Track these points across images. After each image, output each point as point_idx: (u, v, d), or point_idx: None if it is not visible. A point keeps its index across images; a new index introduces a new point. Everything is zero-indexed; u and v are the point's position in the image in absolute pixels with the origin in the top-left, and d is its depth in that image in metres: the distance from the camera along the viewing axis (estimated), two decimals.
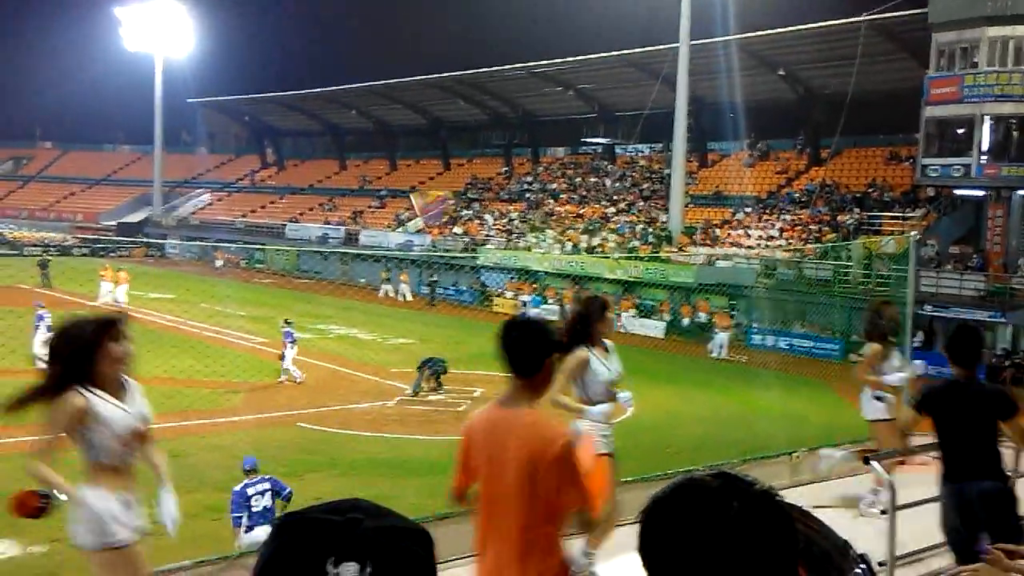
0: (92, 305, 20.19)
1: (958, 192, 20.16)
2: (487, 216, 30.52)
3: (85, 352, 2.49)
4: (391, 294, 26.11)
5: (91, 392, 2.51)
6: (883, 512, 4.14)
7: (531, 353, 2.14)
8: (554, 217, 28.48)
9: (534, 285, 24.57)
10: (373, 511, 0.67)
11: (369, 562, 0.63)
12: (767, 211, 24.17)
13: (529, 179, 32.85)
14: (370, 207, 35.61)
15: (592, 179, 30.99)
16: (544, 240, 26.53)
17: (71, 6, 49.03)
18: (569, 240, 25.99)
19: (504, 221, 29.51)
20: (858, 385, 5.01)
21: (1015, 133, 18.31)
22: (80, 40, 45.02)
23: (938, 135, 19.28)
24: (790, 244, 21.40)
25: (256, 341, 15.26)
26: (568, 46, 28.61)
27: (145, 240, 32.41)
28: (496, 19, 41.13)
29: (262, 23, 52.49)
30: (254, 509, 5.68)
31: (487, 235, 28.73)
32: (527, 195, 31.29)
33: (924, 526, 3.60)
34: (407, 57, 38.55)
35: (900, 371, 4.83)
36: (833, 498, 4.92)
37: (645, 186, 28.79)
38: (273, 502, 5.77)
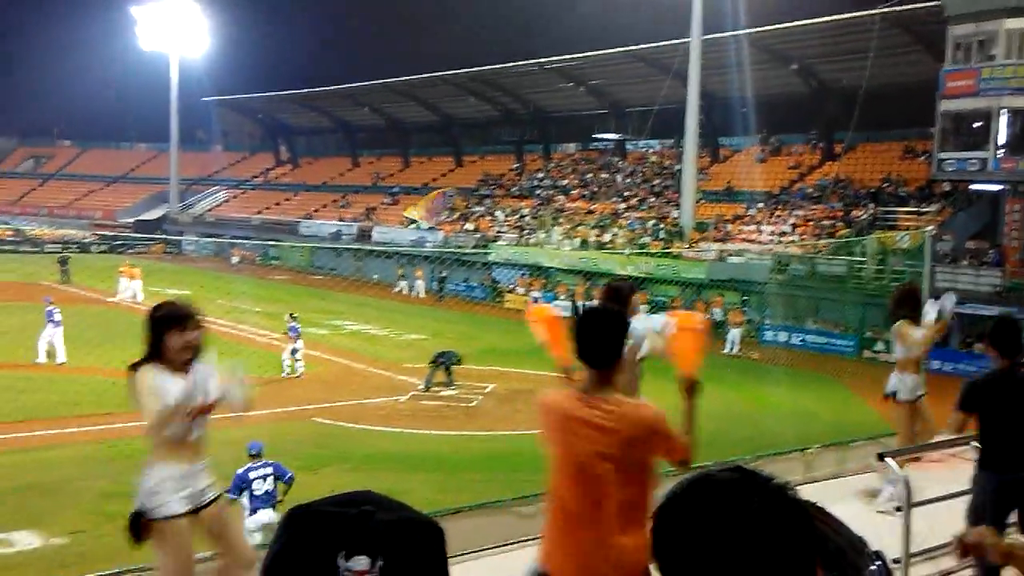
0: (111, 301, 20.56)
1: (974, 187, 19.87)
2: (498, 212, 30.54)
3: (154, 336, 2.76)
4: (406, 290, 26.29)
5: (156, 370, 2.73)
6: (898, 509, 4.13)
7: (613, 344, 2.11)
8: (565, 213, 28.43)
9: (545, 281, 24.58)
10: (384, 504, 0.67)
11: (381, 556, 0.62)
12: (780, 207, 23.97)
13: (540, 175, 32.81)
14: (383, 204, 35.75)
15: (603, 175, 30.88)
16: (550, 237, 26.52)
17: (88, 6, 49.52)
18: (577, 236, 25.95)
19: (515, 218, 29.52)
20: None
21: None
22: (97, 39, 45.48)
23: (954, 129, 19.00)
24: (803, 240, 21.21)
25: (271, 337, 15.41)
26: (579, 42, 28.49)
27: (163, 237, 32.83)
28: (507, 16, 41.04)
29: (275, 22, 52.70)
30: (256, 492, 5.76)
31: (498, 231, 28.75)
32: (538, 191, 31.26)
33: (940, 523, 3.60)
34: (419, 54, 38.54)
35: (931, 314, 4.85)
36: (857, 492, 4.92)
37: (656, 182, 28.64)
38: (275, 486, 5.85)
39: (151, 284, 21.32)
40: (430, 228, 31.31)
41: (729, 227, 23.71)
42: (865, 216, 21.33)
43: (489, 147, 37.14)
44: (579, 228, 26.58)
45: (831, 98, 24.72)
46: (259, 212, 39.20)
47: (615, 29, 28.02)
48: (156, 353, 2.75)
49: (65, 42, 49.73)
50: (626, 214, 26.86)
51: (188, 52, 40.11)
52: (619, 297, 3.54)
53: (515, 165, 34.62)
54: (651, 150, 31.17)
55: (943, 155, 19.12)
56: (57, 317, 12.91)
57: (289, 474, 5.94)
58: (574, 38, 29.69)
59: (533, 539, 4.15)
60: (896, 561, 3.33)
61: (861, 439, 6.12)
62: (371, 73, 34.84)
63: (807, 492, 0.79)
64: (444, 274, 26.35)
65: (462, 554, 3.71)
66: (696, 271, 21.08)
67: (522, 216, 29.42)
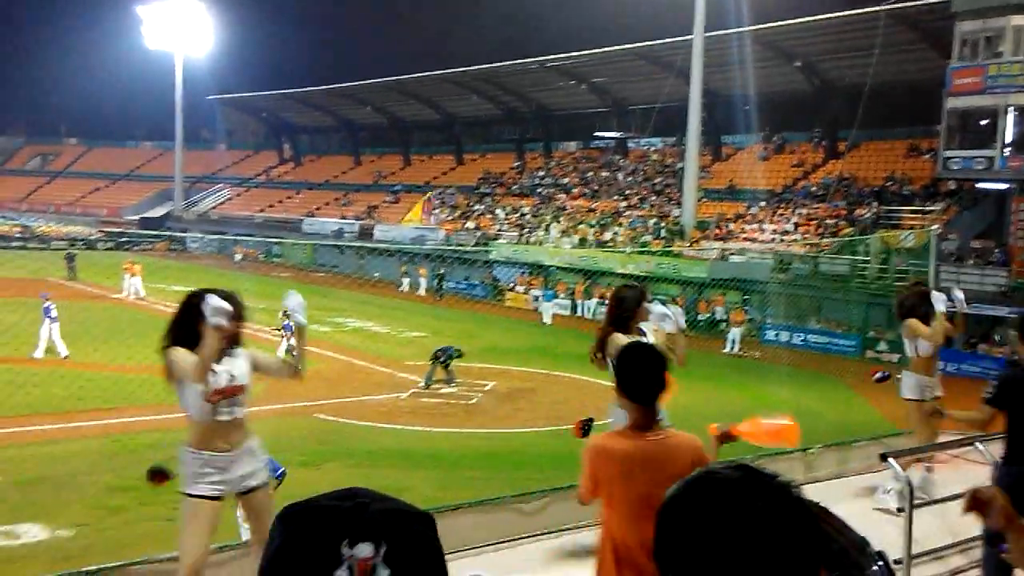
0: (116, 298, 20.62)
1: (980, 185, 19.77)
2: (499, 211, 30.53)
3: (188, 321, 2.84)
4: (409, 288, 26.36)
5: (188, 353, 2.82)
6: (899, 510, 4.11)
7: (660, 381, 2.19)
8: (566, 212, 28.40)
9: (545, 279, 24.56)
10: (376, 496, 0.67)
11: (383, 542, 0.63)
12: (782, 205, 23.89)
13: (541, 173, 32.77)
14: (384, 202, 35.78)
15: (604, 173, 30.83)
16: (548, 235, 26.51)
17: (94, 5, 49.81)
18: (576, 234, 25.92)
19: (516, 216, 29.50)
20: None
21: None
22: (103, 38, 45.80)
23: (960, 127, 18.89)
24: (806, 239, 21.14)
25: (274, 333, 15.44)
26: (581, 39, 28.45)
27: (168, 234, 32.96)
28: (509, 13, 40.98)
29: (279, 21, 52.82)
30: None
31: (499, 230, 28.75)
32: (539, 190, 31.23)
33: (943, 524, 3.57)
34: (421, 53, 38.60)
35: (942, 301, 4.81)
36: (860, 490, 4.90)
37: (658, 180, 28.58)
38: None
39: (156, 281, 21.39)
40: (430, 228, 31.35)
41: (731, 226, 23.65)
42: (869, 215, 21.25)
43: (490, 145, 37.12)
44: (579, 227, 26.55)
45: (835, 96, 24.62)
46: (262, 210, 39.27)
47: (617, 26, 28.01)
48: (189, 338, 2.78)
49: (72, 41, 50.04)
50: (627, 213, 26.81)
51: (193, 51, 40.18)
52: (626, 306, 3.61)
53: (516, 163, 34.58)
54: (653, 148, 31.09)
55: (949, 153, 19.02)
56: (54, 313, 12.94)
57: (281, 470, 5.93)
58: (576, 35, 29.70)
59: (532, 536, 4.15)
60: (897, 561, 3.31)
61: (863, 439, 6.09)
62: (373, 72, 34.91)
63: (809, 492, 0.77)
64: (442, 271, 26.38)
65: (462, 550, 3.70)
66: (697, 270, 21.03)
67: (523, 215, 29.40)
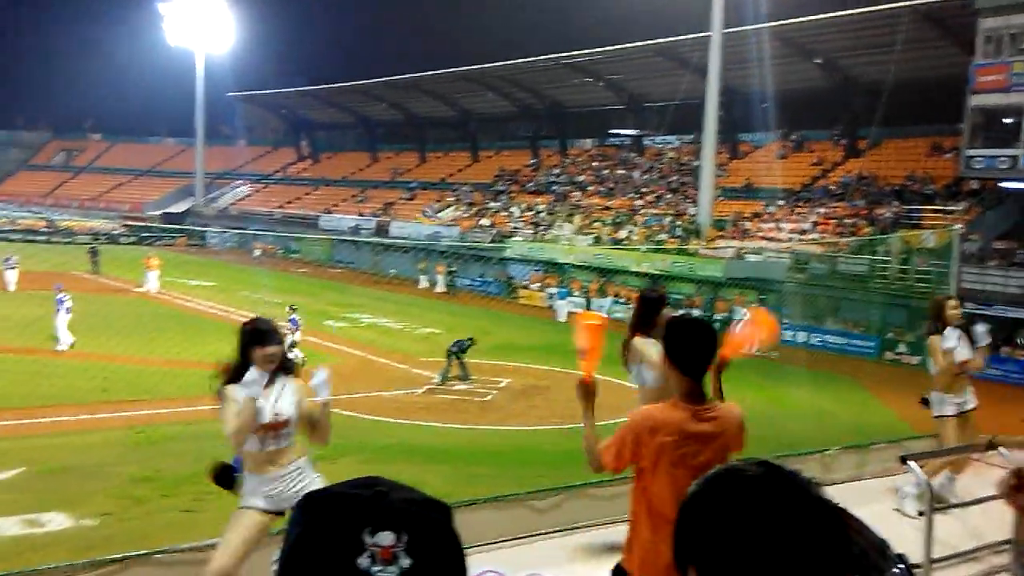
0: (138, 291, 20.98)
1: (1004, 185, 19.37)
2: (514, 208, 30.52)
3: (241, 352, 3.02)
4: (428, 285, 26.49)
5: (239, 386, 2.96)
6: (920, 513, 4.06)
7: (712, 354, 2.20)
8: (581, 209, 28.31)
9: (559, 277, 24.52)
10: (395, 485, 0.68)
11: (404, 531, 0.63)
12: (800, 204, 23.60)
13: (556, 171, 32.69)
14: (401, 199, 35.95)
15: (620, 171, 30.68)
16: (562, 233, 26.44)
17: (117, 3, 50.57)
18: (591, 232, 25.83)
19: (531, 213, 29.47)
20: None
21: None
22: (126, 36, 46.45)
23: (984, 125, 18.53)
24: (824, 238, 20.87)
25: (284, 328, 15.59)
26: (597, 36, 28.30)
27: (190, 228, 33.43)
28: (525, 10, 40.87)
29: (298, 19, 53.21)
30: None
31: (514, 227, 28.74)
32: (554, 187, 31.16)
33: (963, 528, 3.53)
34: (437, 50, 38.65)
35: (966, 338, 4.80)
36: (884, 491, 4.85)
37: (674, 178, 28.37)
38: None
39: (176, 276, 21.71)
40: (446, 224, 31.43)
41: (748, 224, 23.42)
42: (889, 214, 20.92)
43: (505, 142, 37.11)
44: (594, 224, 26.45)
45: (856, 93, 24.24)
46: (281, 206, 39.67)
47: (634, 23, 27.77)
48: (244, 366, 2.96)
49: (96, 39, 50.85)
50: (643, 211, 26.66)
51: (214, 48, 40.65)
52: (652, 308, 3.60)
53: (531, 161, 34.53)
54: (669, 146, 30.86)
55: (971, 152, 18.67)
56: (68, 304, 13.19)
57: None
58: (592, 32, 29.52)
59: (546, 533, 4.17)
60: (917, 566, 3.27)
61: (881, 442, 6.02)
62: (390, 69, 35.06)
63: (826, 494, 0.78)
64: (454, 268, 26.45)
65: (476, 546, 3.73)
66: (712, 269, 20.87)
67: (537, 212, 29.36)
